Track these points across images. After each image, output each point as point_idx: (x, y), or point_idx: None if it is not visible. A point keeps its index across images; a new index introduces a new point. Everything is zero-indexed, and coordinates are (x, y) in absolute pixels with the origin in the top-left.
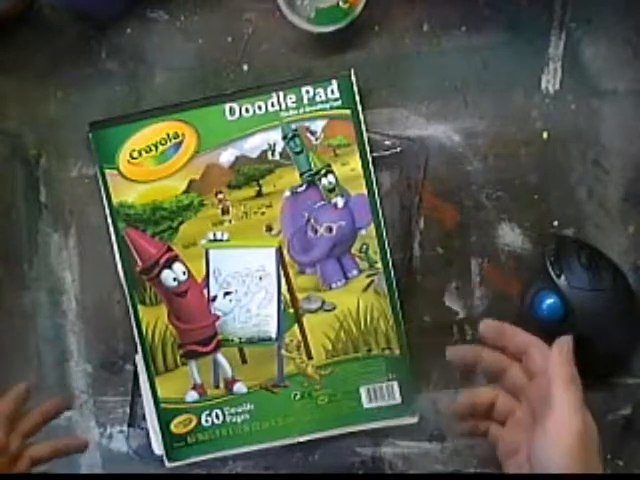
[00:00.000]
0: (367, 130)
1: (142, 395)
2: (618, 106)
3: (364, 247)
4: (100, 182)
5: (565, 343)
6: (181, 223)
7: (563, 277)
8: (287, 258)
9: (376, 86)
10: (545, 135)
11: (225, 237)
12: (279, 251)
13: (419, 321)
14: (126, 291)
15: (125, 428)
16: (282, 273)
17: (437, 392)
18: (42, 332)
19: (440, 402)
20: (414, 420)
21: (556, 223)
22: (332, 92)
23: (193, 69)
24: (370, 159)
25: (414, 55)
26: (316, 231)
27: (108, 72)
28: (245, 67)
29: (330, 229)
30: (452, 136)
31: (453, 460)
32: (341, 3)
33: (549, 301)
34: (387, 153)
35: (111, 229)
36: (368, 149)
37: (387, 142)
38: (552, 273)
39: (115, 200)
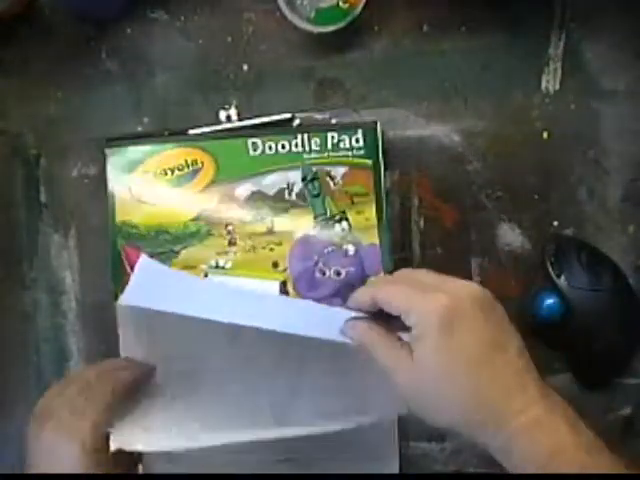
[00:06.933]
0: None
1: None
2: (618, 106)
3: None
4: (108, 197)
5: (350, 327)
6: (184, 248)
7: (563, 277)
8: (291, 292)
9: (376, 86)
10: (545, 135)
11: (228, 265)
12: (283, 285)
13: None
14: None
15: None
16: None
17: None
18: (42, 332)
19: None
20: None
21: (556, 223)
22: (357, 141)
23: (193, 69)
24: (385, 211)
25: (414, 55)
26: (324, 273)
27: (108, 72)
28: (245, 67)
29: (338, 273)
30: (452, 136)
31: (453, 460)
32: (341, 3)
33: (549, 301)
34: None
35: (110, 244)
36: (385, 201)
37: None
38: (552, 273)
39: (119, 218)
